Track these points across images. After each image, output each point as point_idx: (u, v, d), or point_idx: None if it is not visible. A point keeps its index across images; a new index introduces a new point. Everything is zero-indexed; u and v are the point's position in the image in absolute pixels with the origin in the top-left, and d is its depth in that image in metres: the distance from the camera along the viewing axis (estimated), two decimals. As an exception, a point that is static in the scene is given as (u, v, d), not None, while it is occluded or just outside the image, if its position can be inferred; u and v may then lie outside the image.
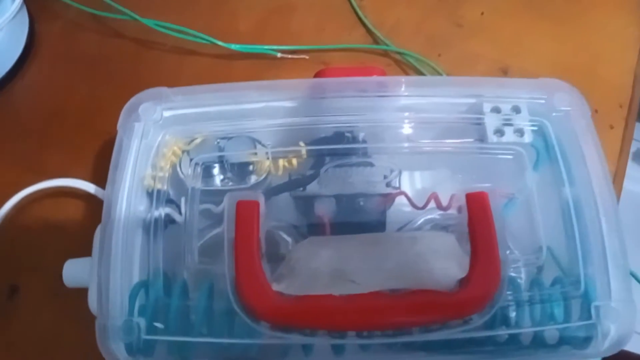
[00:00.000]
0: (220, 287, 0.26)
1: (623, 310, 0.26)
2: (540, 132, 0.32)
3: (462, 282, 0.25)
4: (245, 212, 0.27)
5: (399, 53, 0.48)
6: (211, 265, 0.29)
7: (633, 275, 0.36)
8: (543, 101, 0.31)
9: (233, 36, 0.48)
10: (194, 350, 0.26)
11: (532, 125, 0.31)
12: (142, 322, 0.26)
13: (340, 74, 0.32)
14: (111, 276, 0.29)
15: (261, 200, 0.28)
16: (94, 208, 0.40)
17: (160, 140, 0.32)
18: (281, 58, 0.47)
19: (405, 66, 0.48)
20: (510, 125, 0.32)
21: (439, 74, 0.47)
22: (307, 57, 0.48)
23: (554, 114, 0.31)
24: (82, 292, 0.34)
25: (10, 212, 0.39)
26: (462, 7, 0.51)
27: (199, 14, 0.49)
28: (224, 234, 0.27)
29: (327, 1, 0.51)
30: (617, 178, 0.46)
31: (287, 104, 0.33)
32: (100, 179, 0.42)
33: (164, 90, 0.31)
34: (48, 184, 0.37)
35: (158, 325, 0.26)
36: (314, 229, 0.32)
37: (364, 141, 0.34)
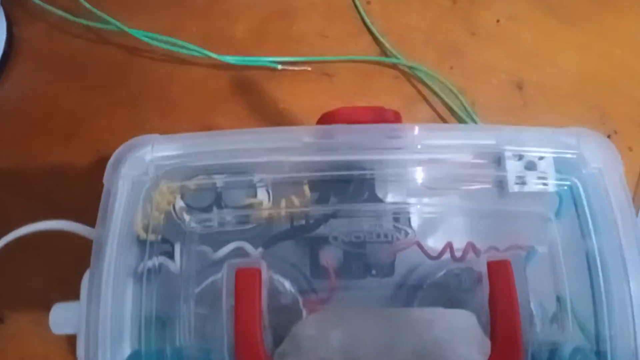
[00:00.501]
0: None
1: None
2: (567, 186, 0.29)
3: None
4: (246, 283, 0.25)
5: (409, 67, 0.45)
6: (207, 323, 0.27)
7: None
8: (572, 155, 0.29)
9: (229, 43, 0.44)
10: None
11: (559, 180, 0.29)
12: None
13: (349, 118, 0.29)
14: (100, 331, 0.27)
15: (263, 266, 0.26)
16: (82, 241, 0.38)
17: (151, 187, 0.29)
18: (282, 70, 0.44)
19: (414, 80, 0.45)
20: (533, 171, 0.30)
21: (450, 90, 0.44)
22: (309, 69, 0.44)
23: (584, 170, 0.28)
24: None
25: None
26: (476, 13, 0.47)
27: (192, 18, 0.46)
28: (222, 303, 0.25)
29: (330, 4, 0.47)
30: (635, 202, 0.44)
31: (291, 147, 0.30)
32: (87, 208, 0.39)
33: (155, 138, 0.28)
34: (36, 227, 0.34)
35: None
36: (317, 276, 0.30)
37: (373, 187, 0.31)
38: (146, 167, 0.28)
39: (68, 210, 0.39)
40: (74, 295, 0.32)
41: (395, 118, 0.30)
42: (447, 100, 0.44)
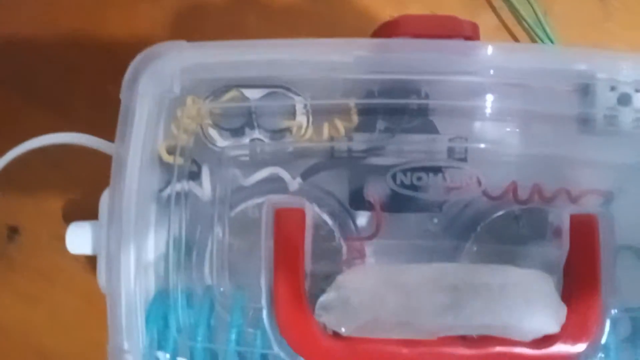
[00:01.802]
0: (256, 313, 0.22)
1: None
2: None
3: (549, 337, 0.21)
4: (288, 227, 0.21)
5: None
6: (242, 266, 0.25)
7: None
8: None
9: None
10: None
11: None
12: (164, 357, 0.22)
13: (415, 30, 0.24)
14: (122, 256, 0.25)
15: (307, 207, 0.22)
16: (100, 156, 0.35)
17: (176, 104, 0.25)
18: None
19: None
20: (628, 107, 0.25)
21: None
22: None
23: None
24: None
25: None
26: None
27: None
28: (261, 245, 0.22)
29: None
30: None
31: (340, 60, 0.25)
32: (102, 123, 0.36)
33: (180, 45, 0.23)
34: (53, 139, 0.31)
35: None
36: (360, 210, 0.27)
37: (430, 110, 0.27)
38: (170, 82, 0.24)
39: (81, 119, 0.36)
40: (91, 212, 0.30)
41: (473, 31, 0.25)
42: (516, 4, 0.37)
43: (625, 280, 0.24)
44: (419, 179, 0.27)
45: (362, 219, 0.28)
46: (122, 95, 0.23)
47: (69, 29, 0.37)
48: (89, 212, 0.30)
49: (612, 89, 0.25)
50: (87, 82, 0.37)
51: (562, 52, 0.27)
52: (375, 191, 0.27)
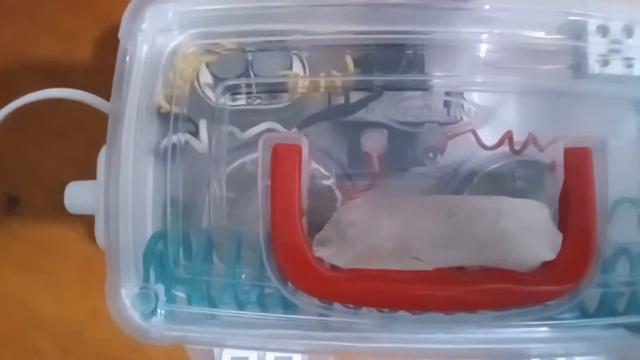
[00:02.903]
0: (252, 247, 0.22)
1: None
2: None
3: (547, 264, 0.21)
4: (286, 161, 0.22)
5: None
6: (237, 209, 0.25)
7: None
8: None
9: None
10: (218, 320, 0.22)
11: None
12: (161, 289, 0.22)
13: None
14: (120, 212, 0.25)
15: (304, 143, 0.23)
16: (98, 116, 0.35)
17: (174, 51, 0.25)
18: None
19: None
20: (618, 52, 0.25)
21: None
22: None
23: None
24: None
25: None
26: None
27: None
28: (257, 182, 0.22)
29: None
30: None
31: (334, 7, 0.25)
32: (101, 80, 0.36)
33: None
34: (46, 94, 0.31)
35: (178, 293, 0.22)
36: (358, 164, 0.27)
37: (428, 63, 0.27)
38: (169, 22, 0.24)
39: (79, 85, 0.36)
40: (91, 176, 0.30)
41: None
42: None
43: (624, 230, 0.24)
44: (417, 132, 0.27)
45: (360, 171, 0.28)
46: (121, 34, 0.24)
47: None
48: (89, 177, 0.30)
49: (604, 34, 0.26)
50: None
51: None
52: (372, 144, 0.27)
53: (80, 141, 0.36)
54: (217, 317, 0.22)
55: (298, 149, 0.22)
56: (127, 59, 0.24)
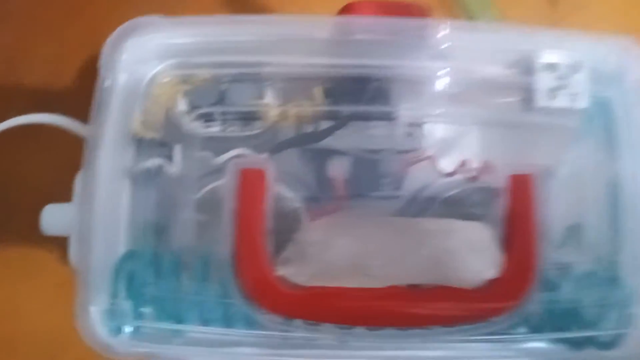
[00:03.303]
0: (217, 264, 0.23)
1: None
2: (601, 102, 0.27)
3: (491, 282, 0.22)
4: (250, 184, 0.23)
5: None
6: (206, 231, 0.26)
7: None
8: (607, 65, 0.26)
9: None
10: (184, 337, 0.23)
11: (594, 94, 0.26)
12: (129, 306, 0.23)
13: (371, 11, 0.26)
14: (93, 232, 0.26)
15: (269, 167, 0.24)
16: (76, 140, 0.36)
17: (152, 80, 0.27)
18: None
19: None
20: (565, 87, 0.27)
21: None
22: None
23: (619, 82, 0.26)
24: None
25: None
26: None
27: None
28: (223, 201, 0.24)
29: None
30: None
31: (305, 44, 0.27)
32: (80, 105, 0.37)
33: (157, 20, 0.26)
34: (29, 119, 0.32)
35: (145, 310, 0.23)
36: (324, 189, 0.28)
37: (391, 94, 0.29)
38: (148, 54, 0.26)
39: (62, 110, 0.37)
40: (68, 199, 0.31)
41: (423, 12, 0.27)
42: (475, 10, 0.40)
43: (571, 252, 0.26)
44: (379, 159, 0.29)
45: (327, 195, 0.29)
46: (101, 65, 0.25)
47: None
48: (66, 198, 0.31)
49: (552, 70, 0.28)
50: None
51: (509, 30, 0.29)
52: (337, 170, 0.29)
53: (58, 165, 0.37)
54: (183, 333, 0.23)
55: (263, 173, 0.24)
56: (106, 86, 0.26)
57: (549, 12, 0.41)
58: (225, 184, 0.24)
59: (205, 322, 0.23)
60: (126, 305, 0.23)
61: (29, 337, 0.37)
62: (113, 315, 0.23)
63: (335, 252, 0.22)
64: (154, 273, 0.24)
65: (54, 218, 0.31)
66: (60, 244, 0.37)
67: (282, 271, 0.23)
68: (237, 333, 0.23)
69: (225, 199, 0.24)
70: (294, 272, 0.23)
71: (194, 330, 0.23)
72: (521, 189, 0.23)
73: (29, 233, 0.34)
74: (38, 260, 0.38)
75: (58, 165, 0.37)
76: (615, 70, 0.26)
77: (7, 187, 0.38)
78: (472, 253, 0.22)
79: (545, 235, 0.23)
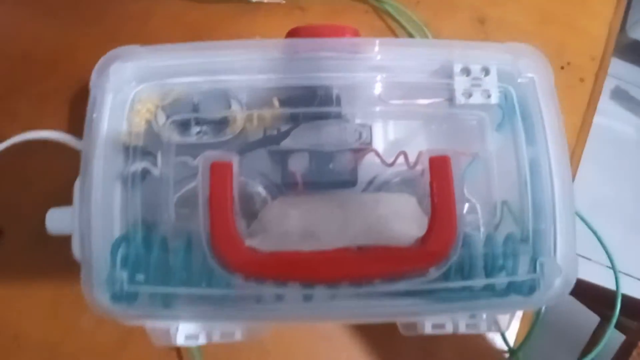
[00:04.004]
0: (197, 241, 0.28)
1: (565, 265, 0.29)
2: (506, 96, 0.33)
3: (421, 240, 0.28)
4: (219, 174, 0.28)
5: (378, 1, 0.47)
6: (188, 220, 0.31)
7: (579, 216, 0.38)
8: (509, 67, 0.32)
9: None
10: (173, 299, 0.28)
11: (500, 89, 0.32)
12: (125, 274, 0.28)
13: (312, 34, 0.32)
14: (92, 227, 0.31)
15: (235, 160, 0.29)
16: (72, 155, 0.41)
17: (134, 97, 0.32)
18: (256, 3, 0.46)
19: (383, 14, 0.48)
20: (479, 86, 0.33)
21: (416, 23, 0.47)
22: (283, 2, 0.47)
23: (519, 79, 0.32)
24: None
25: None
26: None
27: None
28: (198, 192, 0.29)
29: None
30: (583, 130, 0.48)
31: (261, 61, 0.33)
32: (73, 127, 0.42)
33: (136, 48, 0.31)
34: (27, 136, 0.37)
35: (139, 276, 0.28)
36: (287, 182, 0.33)
37: (337, 99, 0.34)
38: (128, 76, 0.31)
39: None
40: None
41: (354, 33, 0.33)
42: (413, 33, 0.47)
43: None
44: (333, 155, 0.34)
45: (290, 188, 0.34)
46: (92, 85, 0.31)
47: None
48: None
49: (467, 74, 0.34)
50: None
51: (429, 43, 0.35)
52: (297, 164, 0.34)
53: (57, 179, 0.42)
54: (172, 296, 0.28)
55: (230, 165, 0.29)
56: (96, 104, 0.31)
57: (478, 30, 0.47)
58: (199, 176, 0.29)
59: (189, 284, 0.28)
60: (122, 274, 0.28)
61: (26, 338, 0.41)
62: (112, 282, 0.27)
63: (289, 222, 0.27)
64: (144, 250, 0.29)
65: (57, 219, 0.36)
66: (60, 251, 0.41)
67: (250, 242, 0.28)
68: (216, 293, 0.28)
69: (200, 188, 0.29)
70: (259, 242, 0.28)
71: (181, 292, 0.28)
72: (439, 167, 0.28)
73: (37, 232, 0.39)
74: (40, 265, 0.42)
75: (57, 180, 0.42)
76: (513, 69, 0.32)
77: (15, 202, 0.42)
78: (399, 217, 0.27)
79: (464, 205, 0.28)
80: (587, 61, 0.49)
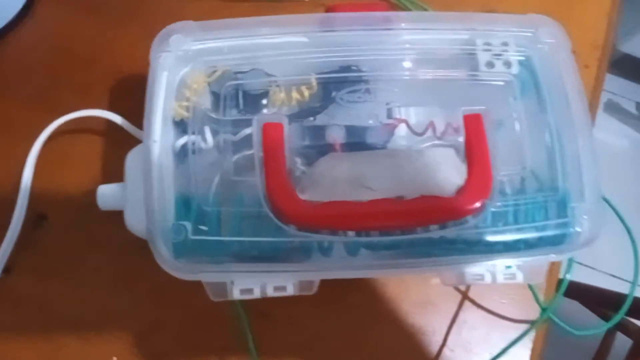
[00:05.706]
0: (252, 196, 0.30)
1: (594, 208, 0.31)
2: (526, 63, 0.36)
3: (461, 189, 0.30)
4: (272, 132, 0.31)
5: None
6: (242, 178, 0.33)
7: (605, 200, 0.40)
8: (529, 34, 0.35)
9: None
10: (232, 249, 0.30)
11: (519, 56, 0.35)
12: (189, 225, 0.30)
13: (347, 9, 0.35)
14: (154, 190, 0.33)
15: (285, 122, 0.32)
16: (114, 138, 0.43)
17: (186, 72, 0.35)
18: (282, 1, 0.50)
19: (396, 7, 0.51)
20: (500, 58, 0.36)
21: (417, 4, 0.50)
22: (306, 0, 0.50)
23: (539, 45, 0.35)
24: (106, 223, 0.39)
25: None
26: None
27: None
28: (254, 153, 0.31)
29: None
30: (590, 111, 0.51)
31: (299, 38, 0.36)
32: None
33: (189, 23, 0.34)
34: (78, 115, 0.40)
35: (202, 227, 0.30)
36: (326, 153, 0.36)
37: (369, 74, 0.37)
38: (186, 45, 0.34)
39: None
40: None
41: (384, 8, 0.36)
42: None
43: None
44: (366, 127, 0.37)
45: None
46: (152, 55, 0.33)
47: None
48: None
49: (487, 48, 0.37)
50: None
51: (453, 21, 0.38)
52: (335, 136, 0.37)
53: (96, 167, 0.44)
54: (230, 245, 0.30)
55: (281, 126, 0.31)
56: (154, 82, 0.33)
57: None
58: (253, 135, 0.31)
59: (245, 234, 0.30)
60: (186, 225, 0.30)
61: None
62: (177, 230, 0.29)
63: (339, 171, 0.30)
64: (203, 205, 0.31)
65: (107, 195, 0.38)
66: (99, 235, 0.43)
67: (301, 195, 0.30)
68: (273, 242, 0.30)
69: (255, 145, 0.31)
70: (310, 194, 0.30)
71: (237, 240, 0.30)
72: (473, 122, 0.31)
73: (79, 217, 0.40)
74: (80, 250, 0.43)
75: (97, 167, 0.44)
76: (532, 37, 0.35)
77: (57, 186, 0.44)
78: (441, 166, 0.30)
79: (494, 154, 0.30)
80: (590, 49, 0.52)
